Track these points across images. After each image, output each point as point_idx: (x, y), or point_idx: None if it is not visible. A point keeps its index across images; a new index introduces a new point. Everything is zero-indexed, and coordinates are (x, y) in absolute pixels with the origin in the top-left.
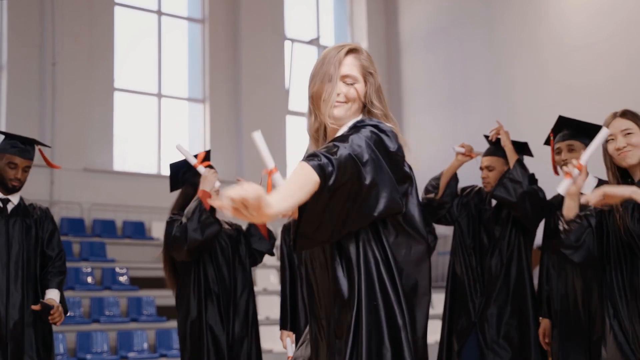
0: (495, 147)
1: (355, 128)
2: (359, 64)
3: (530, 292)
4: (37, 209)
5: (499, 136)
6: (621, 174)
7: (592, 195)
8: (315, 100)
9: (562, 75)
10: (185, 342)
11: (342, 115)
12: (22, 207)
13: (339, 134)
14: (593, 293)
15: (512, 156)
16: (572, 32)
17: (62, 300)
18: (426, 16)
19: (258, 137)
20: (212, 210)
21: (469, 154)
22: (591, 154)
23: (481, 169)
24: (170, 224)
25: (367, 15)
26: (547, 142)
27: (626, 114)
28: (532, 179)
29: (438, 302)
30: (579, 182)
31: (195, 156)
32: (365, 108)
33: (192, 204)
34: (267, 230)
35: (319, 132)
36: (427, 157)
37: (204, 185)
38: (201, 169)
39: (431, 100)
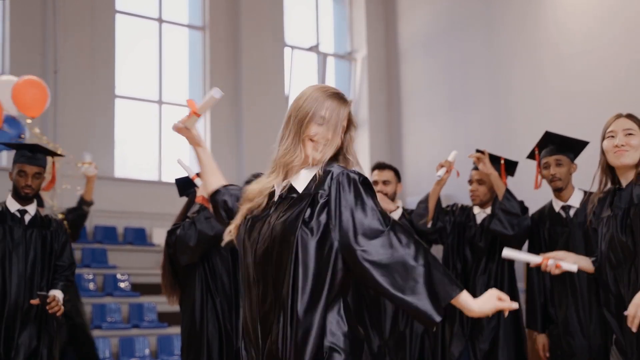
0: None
1: (355, 185)
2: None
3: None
4: (53, 220)
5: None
6: (612, 177)
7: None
8: (304, 136)
9: (560, 80)
10: (190, 348)
11: (324, 158)
12: (39, 218)
13: (307, 171)
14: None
15: (499, 185)
16: (570, 38)
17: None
18: (425, 21)
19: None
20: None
21: (449, 170)
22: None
23: (470, 182)
24: (171, 232)
25: (366, 21)
26: (532, 157)
27: (632, 117)
28: (523, 208)
29: None
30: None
31: (198, 174)
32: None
33: (195, 208)
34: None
35: (290, 164)
36: (426, 162)
37: (203, 191)
38: (198, 181)
39: (431, 105)
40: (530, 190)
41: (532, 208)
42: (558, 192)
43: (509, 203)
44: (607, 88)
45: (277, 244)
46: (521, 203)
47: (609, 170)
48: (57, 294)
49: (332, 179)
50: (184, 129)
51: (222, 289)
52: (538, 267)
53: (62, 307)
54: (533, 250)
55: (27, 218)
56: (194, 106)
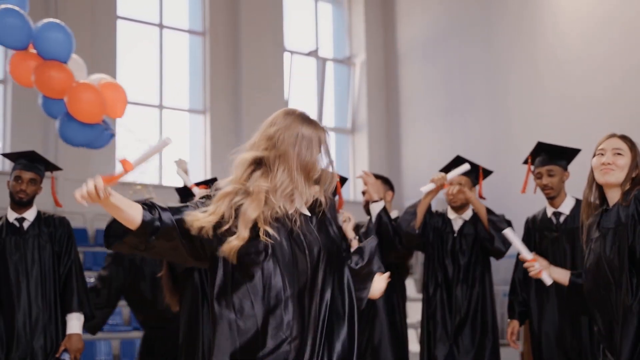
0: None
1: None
2: None
3: (491, 316)
4: (55, 219)
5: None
6: (600, 195)
7: None
8: (303, 167)
9: (558, 86)
10: (186, 351)
11: None
12: (39, 222)
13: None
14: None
15: (479, 206)
16: (568, 44)
17: (91, 311)
18: (424, 26)
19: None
20: None
21: (441, 185)
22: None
23: (450, 184)
24: None
25: (365, 26)
26: (526, 162)
27: (624, 138)
28: (507, 221)
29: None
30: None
31: (199, 184)
32: None
33: None
34: None
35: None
36: (425, 166)
37: None
38: (195, 190)
39: (429, 110)
40: (529, 194)
41: (529, 211)
42: (551, 199)
43: (499, 222)
44: (604, 92)
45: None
46: (502, 216)
47: (596, 186)
48: (76, 324)
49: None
50: (96, 198)
51: None
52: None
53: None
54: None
55: (25, 225)
56: (129, 166)
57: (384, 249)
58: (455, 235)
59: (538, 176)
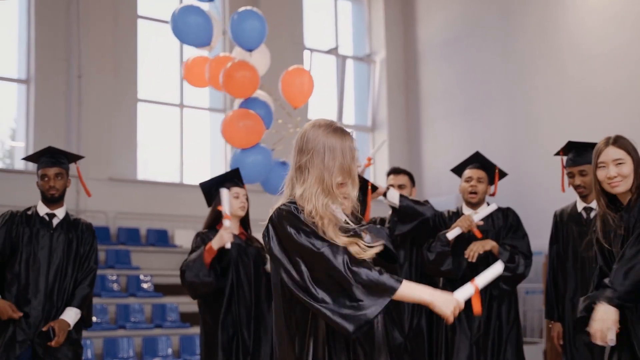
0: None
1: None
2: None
3: (514, 312)
4: (82, 224)
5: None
6: (609, 199)
7: None
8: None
9: (581, 81)
10: (207, 351)
11: None
12: (67, 222)
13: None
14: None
15: (493, 245)
16: (590, 38)
17: (88, 313)
18: (444, 25)
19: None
20: (213, 262)
21: (468, 229)
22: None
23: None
24: (194, 240)
25: (385, 25)
26: (558, 153)
27: (618, 142)
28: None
29: None
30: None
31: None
32: None
33: (195, 255)
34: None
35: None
36: (445, 164)
37: (215, 242)
38: (227, 222)
39: (449, 108)
40: (549, 189)
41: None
42: (583, 197)
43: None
44: (628, 86)
45: None
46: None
47: (603, 193)
48: (71, 317)
49: None
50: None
51: (243, 297)
52: (560, 264)
53: (62, 339)
54: (553, 245)
55: (55, 221)
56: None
57: (418, 231)
58: (470, 232)
59: (570, 175)
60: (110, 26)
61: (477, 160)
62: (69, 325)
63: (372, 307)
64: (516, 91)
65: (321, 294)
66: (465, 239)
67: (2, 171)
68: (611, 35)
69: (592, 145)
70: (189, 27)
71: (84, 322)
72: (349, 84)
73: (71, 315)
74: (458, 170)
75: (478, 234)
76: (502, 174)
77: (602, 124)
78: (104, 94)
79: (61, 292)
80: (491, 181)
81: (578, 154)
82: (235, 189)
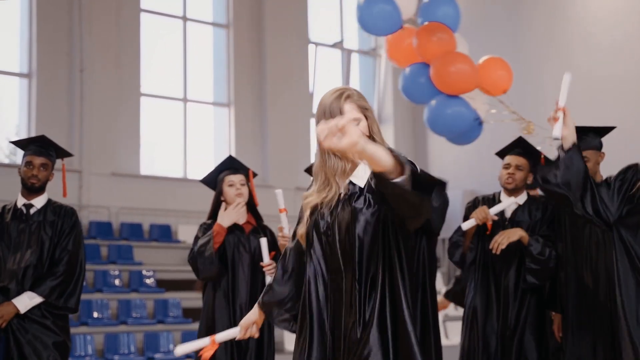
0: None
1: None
2: (356, 105)
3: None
4: (64, 208)
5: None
6: None
7: None
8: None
9: (590, 70)
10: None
11: None
12: (44, 211)
13: (360, 167)
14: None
15: (524, 236)
16: (599, 28)
17: (65, 300)
18: None
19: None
20: (222, 246)
21: (483, 222)
22: (566, 97)
23: (507, 167)
24: (198, 230)
25: None
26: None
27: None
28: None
29: None
30: (568, 121)
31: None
32: (370, 139)
33: (204, 239)
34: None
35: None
36: (451, 159)
37: (226, 219)
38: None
39: None
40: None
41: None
42: None
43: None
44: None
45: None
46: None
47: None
48: (23, 303)
49: None
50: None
51: (239, 295)
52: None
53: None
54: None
55: (32, 211)
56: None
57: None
58: (506, 222)
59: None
60: (113, 20)
61: (520, 146)
62: (16, 309)
63: None
64: (527, 84)
65: None
66: (501, 226)
67: (4, 166)
68: (620, 25)
69: (594, 130)
70: (374, 17)
71: (65, 310)
72: (354, 77)
73: (24, 300)
74: (501, 154)
75: (489, 227)
76: (548, 162)
77: (611, 114)
78: (106, 88)
79: (34, 278)
80: (533, 169)
81: (581, 139)
82: (230, 178)
